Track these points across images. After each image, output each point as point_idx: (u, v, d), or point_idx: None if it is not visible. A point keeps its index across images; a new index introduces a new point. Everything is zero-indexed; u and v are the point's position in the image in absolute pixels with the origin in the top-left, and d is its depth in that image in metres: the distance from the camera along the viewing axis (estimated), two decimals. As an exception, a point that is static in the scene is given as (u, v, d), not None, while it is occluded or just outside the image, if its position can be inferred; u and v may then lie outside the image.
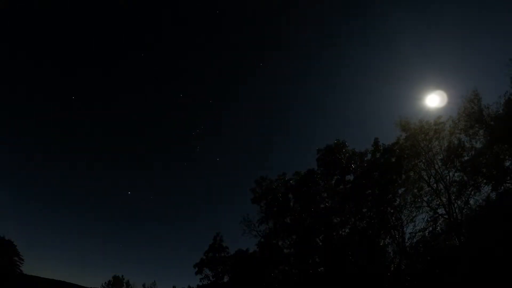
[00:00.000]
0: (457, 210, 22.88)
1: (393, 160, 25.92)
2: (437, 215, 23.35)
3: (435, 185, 23.91)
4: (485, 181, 22.24)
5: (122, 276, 48.36)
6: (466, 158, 23.35)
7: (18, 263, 47.03)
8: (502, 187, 21.41)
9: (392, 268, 25.16)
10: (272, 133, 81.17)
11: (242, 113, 76.91)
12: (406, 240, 24.68)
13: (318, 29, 65.76)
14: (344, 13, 60.02)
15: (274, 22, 65.18)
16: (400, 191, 25.79)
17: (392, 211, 25.63)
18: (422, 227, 23.75)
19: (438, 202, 23.62)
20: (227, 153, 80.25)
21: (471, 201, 22.70)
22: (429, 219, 23.52)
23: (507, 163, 21.87)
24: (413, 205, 24.76)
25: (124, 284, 47.76)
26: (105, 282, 47.21)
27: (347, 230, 28.04)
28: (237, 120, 76.67)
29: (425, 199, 24.37)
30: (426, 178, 24.31)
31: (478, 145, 23.00)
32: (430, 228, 23.42)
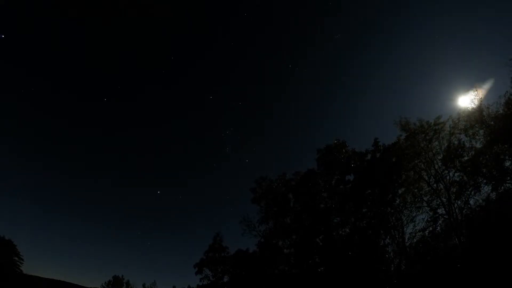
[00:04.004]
0: (457, 210, 22.89)
1: (393, 160, 25.92)
2: (437, 215, 23.37)
3: (435, 185, 23.92)
4: (485, 181, 22.25)
5: (122, 276, 48.32)
6: (466, 158, 23.35)
7: (18, 263, 47.17)
8: (502, 187, 21.42)
9: (392, 268, 25.17)
10: (272, 133, 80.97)
11: (245, 113, 76.70)
12: (406, 240, 24.72)
13: (345, 30, 64.78)
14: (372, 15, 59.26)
15: (298, 26, 64.26)
16: (400, 191, 25.81)
17: (392, 211, 25.63)
18: (422, 227, 23.88)
19: (438, 202, 23.66)
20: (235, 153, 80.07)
21: (471, 201, 22.74)
22: (429, 219, 23.59)
23: (507, 163, 21.87)
24: (413, 205, 24.81)
25: (124, 284, 47.71)
26: (105, 282, 47.16)
27: (347, 230, 28.02)
28: (243, 120, 76.45)
29: (425, 199, 24.41)
30: (426, 178, 24.32)
31: (478, 145, 23.01)
32: (430, 228, 23.51)
